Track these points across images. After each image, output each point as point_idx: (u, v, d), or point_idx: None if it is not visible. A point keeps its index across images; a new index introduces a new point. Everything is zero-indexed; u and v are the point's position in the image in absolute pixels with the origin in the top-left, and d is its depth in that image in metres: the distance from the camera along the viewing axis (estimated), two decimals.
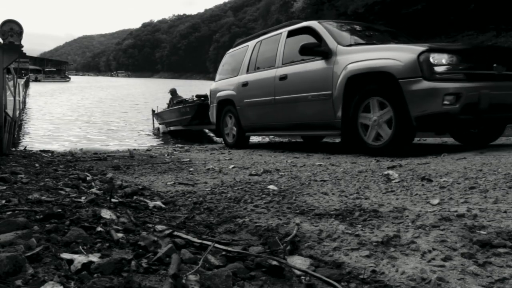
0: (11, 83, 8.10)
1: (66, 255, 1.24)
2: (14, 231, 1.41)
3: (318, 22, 5.01)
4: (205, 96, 10.07)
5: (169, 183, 3.03)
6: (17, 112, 8.95)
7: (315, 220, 1.80)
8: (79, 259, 1.21)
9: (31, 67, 62.14)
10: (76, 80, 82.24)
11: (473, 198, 1.96)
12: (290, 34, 5.30)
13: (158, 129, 12.49)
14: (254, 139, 8.68)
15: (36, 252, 1.23)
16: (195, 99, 10.77)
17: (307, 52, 4.60)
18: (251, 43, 6.19)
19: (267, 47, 5.73)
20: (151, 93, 36.65)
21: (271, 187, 2.59)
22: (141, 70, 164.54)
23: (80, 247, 1.35)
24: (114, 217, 1.78)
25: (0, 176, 2.61)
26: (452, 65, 3.57)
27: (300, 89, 4.82)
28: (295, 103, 4.90)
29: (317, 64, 4.58)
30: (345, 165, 3.47)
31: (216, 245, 1.49)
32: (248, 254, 1.42)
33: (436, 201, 1.97)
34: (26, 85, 25.12)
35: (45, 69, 75.42)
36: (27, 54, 53.88)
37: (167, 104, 12.76)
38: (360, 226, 1.68)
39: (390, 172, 2.74)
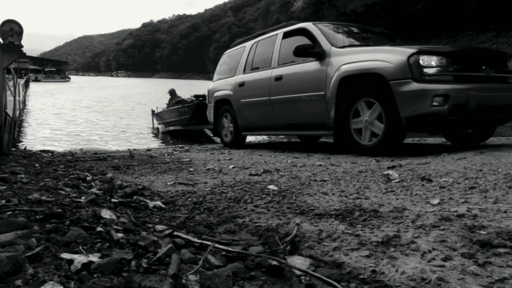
0: (11, 83, 8.10)
1: (66, 255, 1.24)
2: (14, 231, 1.41)
3: (313, 23, 5.07)
4: (203, 96, 10.10)
5: (169, 183, 3.03)
6: (17, 112, 8.95)
7: (315, 220, 1.80)
8: (79, 259, 1.21)
9: (31, 67, 62.08)
10: (76, 80, 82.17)
11: (473, 198, 1.97)
12: (286, 35, 5.34)
13: (158, 129, 12.53)
14: (254, 139, 8.69)
15: (36, 252, 1.23)
16: (193, 99, 10.80)
17: (301, 53, 4.64)
18: (248, 44, 6.22)
19: (264, 48, 5.78)
20: (151, 93, 36.64)
21: (271, 187, 2.59)
22: (141, 70, 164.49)
23: (80, 247, 1.35)
24: (114, 217, 1.78)
25: (0, 176, 2.61)
26: (442, 67, 3.62)
27: (295, 89, 4.86)
28: (290, 103, 4.94)
29: (311, 65, 4.63)
30: (345, 165, 3.47)
31: (216, 245, 1.49)
32: (248, 254, 1.42)
33: (436, 201, 1.97)
34: (26, 85, 25.10)
35: (45, 69, 75.32)
36: (27, 54, 53.88)
37: (166, 104, 12.80)
38: (360, 226, 1.68)
39: (390, 172, 2.74)
